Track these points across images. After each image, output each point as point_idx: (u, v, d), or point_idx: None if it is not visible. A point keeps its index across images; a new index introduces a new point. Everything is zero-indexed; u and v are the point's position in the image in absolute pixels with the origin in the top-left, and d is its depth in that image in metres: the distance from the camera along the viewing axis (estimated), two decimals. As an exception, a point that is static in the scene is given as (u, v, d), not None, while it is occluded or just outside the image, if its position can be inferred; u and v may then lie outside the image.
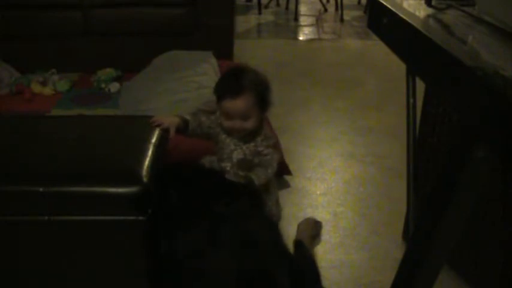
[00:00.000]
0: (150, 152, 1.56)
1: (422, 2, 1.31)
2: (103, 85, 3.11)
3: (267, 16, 5.48)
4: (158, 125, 1.74)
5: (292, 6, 5.49)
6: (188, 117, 1.82)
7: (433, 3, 1.30)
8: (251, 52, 4.15)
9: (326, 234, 2.00)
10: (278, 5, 5.86)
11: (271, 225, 1.52)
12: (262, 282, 1.26)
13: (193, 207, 1.44)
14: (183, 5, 3.32)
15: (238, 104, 1.71)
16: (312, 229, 1.96)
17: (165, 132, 1.74)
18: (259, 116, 1.77)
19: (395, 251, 1.87)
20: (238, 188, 1.56)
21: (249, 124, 1.75)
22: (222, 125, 1.80)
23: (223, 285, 1.26)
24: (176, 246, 1.41)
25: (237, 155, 1.78)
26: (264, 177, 1.75)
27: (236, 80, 1.75)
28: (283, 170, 2.31)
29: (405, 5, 1.30)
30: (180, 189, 1.57)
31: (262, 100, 1.75)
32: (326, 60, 4.06)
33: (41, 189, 1.39)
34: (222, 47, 3.26)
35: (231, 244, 1.30)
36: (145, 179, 1.43)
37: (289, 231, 1.90)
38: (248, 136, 1.78)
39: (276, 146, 1.90)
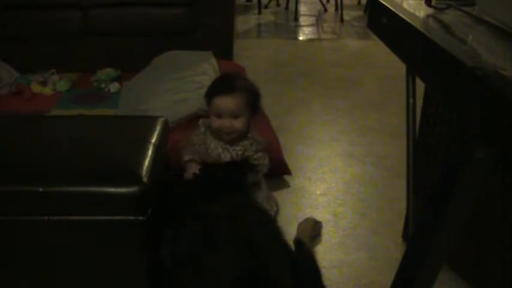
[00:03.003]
0: (150, 152, 1.56)
1: (422, 2, 1.31)
2: (103, 85, 3.12)
3: (267, 16, 5.48)
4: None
5: (292, 6, 5.49)
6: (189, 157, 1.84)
7: (433, 3, 1.30)
8: (251, 52, 4.15)
9: (326, 234, 2.00)
10: (278, 5, 5.87)
11: (271, 223, 1.51)
12: (263, 282, 1.26)
13: (192, 208, 1.44)
14: (183, 5, 3.32)
15: (230, 100, 1.76)
16: (312, 229, 1.96)
17: (165, 131, 1.74)
18: (248, 118, 1.80)
19: (395, 251, 1.87)
20: (233, 183, 1.56)
21: (238, 124, 1.77)
22: (210, 127, 1.82)
23: (224, 285, 1.26)
24: (176, 246, 1.41)
25: (224, 158, 1.79)
26: (251, 178, 1.78)
27: (229, 81, 1.84)
28: (283, 170, 2.31)
29: (405, 5, 1.30)
30: (178, 188, 1.57)
31: (252, 103, 1.80)
32: (326, 60, 4.06)
33: (40, 189, 1.39)
34: (222, 47, 3.26)
35: (230, 244, 1.30)
36: (145, 179, 1.43)
37: (289, 231, 1.90)
38: (235, 139, 1.80)
39: (266, 149, 1.91)
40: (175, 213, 1.49)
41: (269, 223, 1.50)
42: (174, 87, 2.68)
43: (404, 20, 1.17)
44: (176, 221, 1.46)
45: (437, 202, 1.05)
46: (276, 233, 1.46)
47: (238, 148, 1.81)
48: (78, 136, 1.66)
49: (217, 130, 1.80)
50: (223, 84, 1.82)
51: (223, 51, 3.24)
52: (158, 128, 1.71)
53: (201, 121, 1.92)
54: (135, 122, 1.86)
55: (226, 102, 1.76)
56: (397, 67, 1.66)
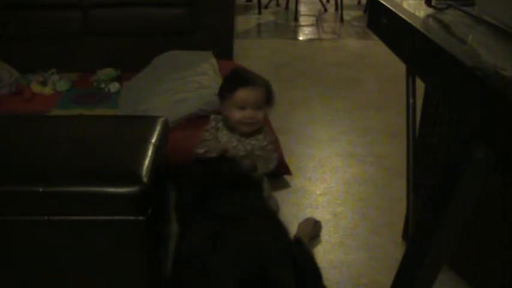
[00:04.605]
0: (150, 152, 1.56)
1: (422, 2, 1.31)
2: (103, 85, 3.12)
3: (267, 16, 5.48)
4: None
5: (292, 6, 5.49)
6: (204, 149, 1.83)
7: (433, 3, 1.30)
8: (251, 52, 4.15)
9: (326, 234, 2.00)
10: (278, 5, 5.87)
11: (276, 224, 1.51)
12: (264, 283, 1.26)
13: (199, 207, 1.44)
14: (183, 5, 3.32)
15: (253, 92, 1.77)
16: (312, 229, 1.96)
17: (165, 131, 1.74)
18: (265, 111, 1.81)
19: (395, 251, 1.87)
20: (241, 178, 1.55)
21: (260, 114, 1.78)
22: (228, 121, 1.81)
23: (226, 285, 1.25)
24: (180, 245, 1.40)
25: (238, 151, 1.79)
26: (263, 169, 1.77)
27: (248, 74, 1.87)
28: (283, 170, 2.31)
29: (405, 5, 1.30)
30: (187, 187, 1.56)
31: (269, 97, 1.81)
32: (326, 60, 4.06)
33: (40, 189, 1.39)
34: (222, 47, 3.26)
35: (234, 245, 1.29)
36: (145, 179, 1.43)
37: (289, 231, 1.90)
38: (252, 132, 1.81)
39: (275, 144, 1.92)
40: (185, 212, 1.48)
41: (274, 223, 1.49)
42: (174, 87, 2.68)
43: (404, 20, 1.17)
44: (185, 220, 1.45)
45: (437, 202, 1.05)
46: (279, 234, 1.46)
47: (253, 142, 1.82)
48: (78, 136, 1.66)
49: (239, 123, 1.79)
50: (245, 78, 1.84)
51: (223, 51, 3.24)
52: (158, 128, 1.71)
53: (212, 116, 1.92)
54: (135, 122, 1.86)
55: (251, 93, 1.77)
56: (397, 67, 1.66)
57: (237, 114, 1.78)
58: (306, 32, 5.01)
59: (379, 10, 1.32)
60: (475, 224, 1.54)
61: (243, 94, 1.77)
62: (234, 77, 1.90)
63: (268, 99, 1.83)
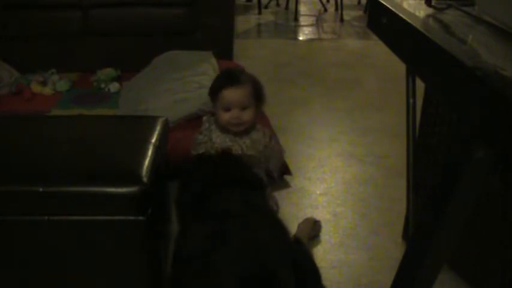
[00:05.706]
0: (150, 152, 1.56)
1: (422, 2, 1.32)
2: (103, 85, 3.12)
3: (267, 16, 5.48)
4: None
5: (292, 6, 5.49)
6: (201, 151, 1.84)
7: (433, 3, 1.30)
8: (251, 52, 4.15)
9: (326, 234, 2.00)
10: (278, 5, 5.87)
11: (277, 223, 1.51)
12: (266, 282, 1.26)
13: (198, 207, 1.44)
14: (183, 5, 3.32)
15: (238, 92, 1.76)
16: (311, 229, 1.96)
17: (165, 131, 1.74)
18: (254, 109, 1.80)
19: (395, 251, 1.87)
20: (243, 177, 1.55)
21: (247, 115, 1.77)
22: (218, 122, 1.81)
23: (228, 284, 1.25)
24: (180, 246, 1.40)
25: (233, 150, 1.79)
26: (277, 167, 1.80)
27: (233, 74, 1.86)
28: (283, 170, 2.31)
29: (405, 5, 1.30)
30: (187, 186, 1.56)
31: (257, 94, 1.81)
32: (326, 60, 4.06)
33: (40, 189, 1.39)
34: (222, 47, 3.26)
35: (237, 243, 1.29)
36: (145, 179, 1.43)
37: (289, 231, 1.90)
38: (243, 131, 1.81)
39: (273, 138, 1.93)
40: (188, 210, 1.48)
41: (274, 222, 1.49)
42: (174, 87, 2.68)
43: (404, 20, 1.17)
44: (187, 219, 1.45)
45: (437, 202, 1.05)
46: (279, 233, 1.46)
47: (247, 141, 1.81)
48: (78, 136, 1.66)
49: (227, 124, 1.79)
50: (229, 78, 1.84)
51: (223, 51, 3.24)
52: (158, 128, 1.71)
53: (205, 118, 1.92)
54: (135, 122, 1.86)
55: (234, 93, 1.77)
56: (397, 67, 1.66)
57: (224, 116, 1.78)
58: (306, 32, 5.01)
59: (379, 10, 1.32)
60: (475, 224, 1.54)
61: (226, 95, 1.77)
62: (219, 79, 1.90)
63: (257, 96, 1.82)
